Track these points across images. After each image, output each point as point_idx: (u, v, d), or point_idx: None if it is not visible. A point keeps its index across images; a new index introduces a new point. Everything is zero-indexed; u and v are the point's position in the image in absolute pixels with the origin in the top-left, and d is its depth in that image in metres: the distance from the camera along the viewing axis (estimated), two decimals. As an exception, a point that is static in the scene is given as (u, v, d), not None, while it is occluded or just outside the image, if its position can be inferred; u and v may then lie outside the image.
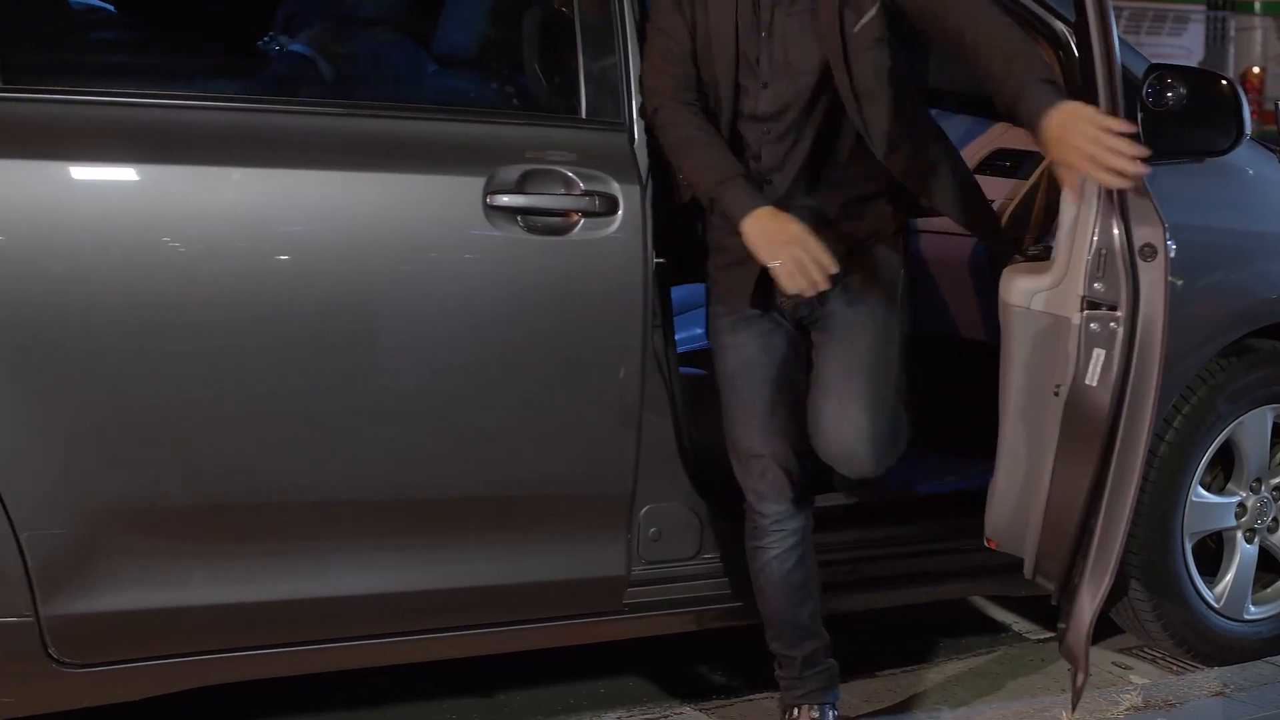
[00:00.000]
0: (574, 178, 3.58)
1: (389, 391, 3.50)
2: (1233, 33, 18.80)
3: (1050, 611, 4.95)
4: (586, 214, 3.57)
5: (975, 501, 3.99)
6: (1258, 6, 18.88)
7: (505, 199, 3.51)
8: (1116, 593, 4.53)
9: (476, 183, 3.50)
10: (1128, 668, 4.65)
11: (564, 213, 3.58)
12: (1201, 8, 18.75)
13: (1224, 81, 4.20)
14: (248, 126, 3.43)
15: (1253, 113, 4.69)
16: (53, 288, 3.20)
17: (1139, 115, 4.04)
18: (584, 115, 3.67)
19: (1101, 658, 4.68)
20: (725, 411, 3.73)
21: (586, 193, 3.58)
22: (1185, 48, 18.00)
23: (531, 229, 3.53)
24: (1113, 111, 3.45)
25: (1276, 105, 15.90)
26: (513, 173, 3.54)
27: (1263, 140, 4.95)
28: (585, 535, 3.76)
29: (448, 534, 3.62)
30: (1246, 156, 4.44)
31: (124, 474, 3.31)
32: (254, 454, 3.42)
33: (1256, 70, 18.32)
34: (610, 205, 3.58)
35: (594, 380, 3.68)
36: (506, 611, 3.75)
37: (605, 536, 3.76)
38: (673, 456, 3.78)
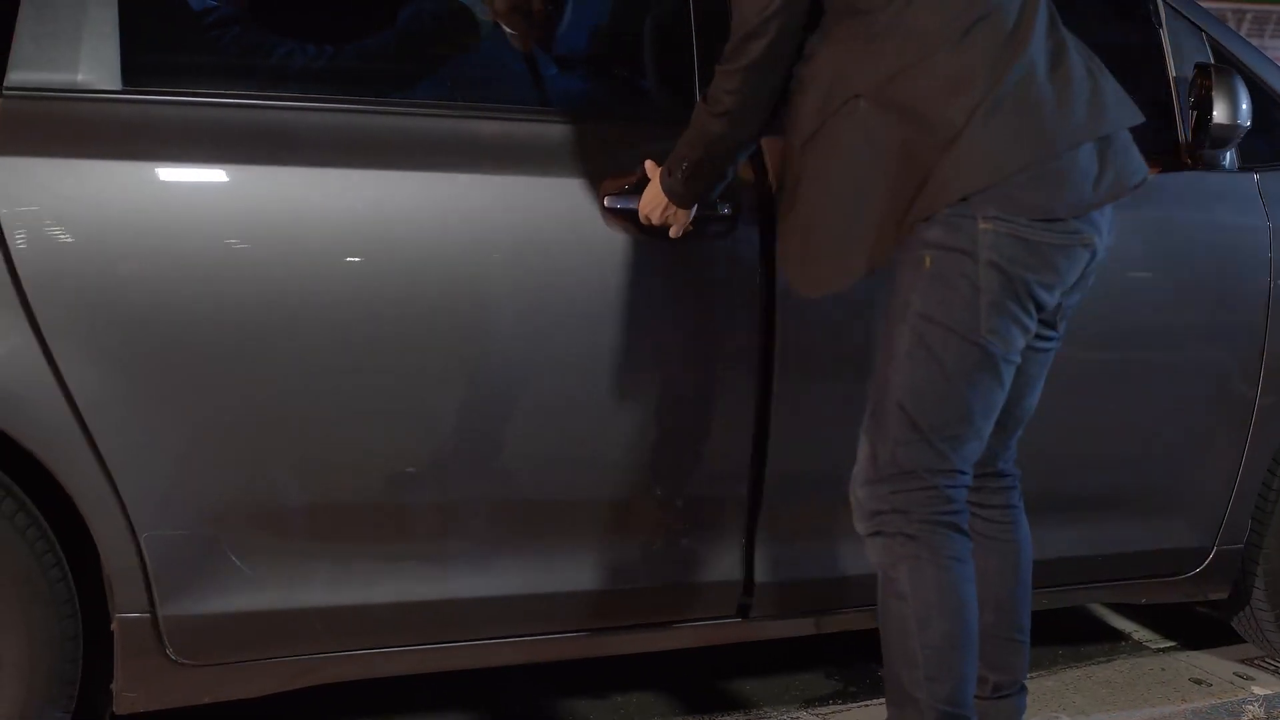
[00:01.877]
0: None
1: (505, 393, 3.50)
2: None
3: (1169, 620, 4.91)
4: (705, 215, 3.54)
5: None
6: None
7: (622, 201, 3.51)
8: (1238, 602, 4.48)
9: (594, 185, 3.50)
10: (1249, 679, 4.58)
11: (682, 214, 3.57)
12: (1327, 12, 18.58)
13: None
14: (364, 128, 3.45)
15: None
16: (167, 289, 3.20)
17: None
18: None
19: (1223, 668, 4.62)
20: None
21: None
22: (1309, 51, 17.81)
23: (649, 231, 3.52)
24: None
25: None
26: (630, 175, 3.53)
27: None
28: (703, 539, 3.75)
29: (566, 537, 3.63)
30: None
31: (242, 474, 3.33)
32: (371, 454, 3.43)
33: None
34: (730, 206, 3.56)
35: (711, 382, 3.66)
36: (625, 615, 3.75)
37: (723, 540, 3.75)
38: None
